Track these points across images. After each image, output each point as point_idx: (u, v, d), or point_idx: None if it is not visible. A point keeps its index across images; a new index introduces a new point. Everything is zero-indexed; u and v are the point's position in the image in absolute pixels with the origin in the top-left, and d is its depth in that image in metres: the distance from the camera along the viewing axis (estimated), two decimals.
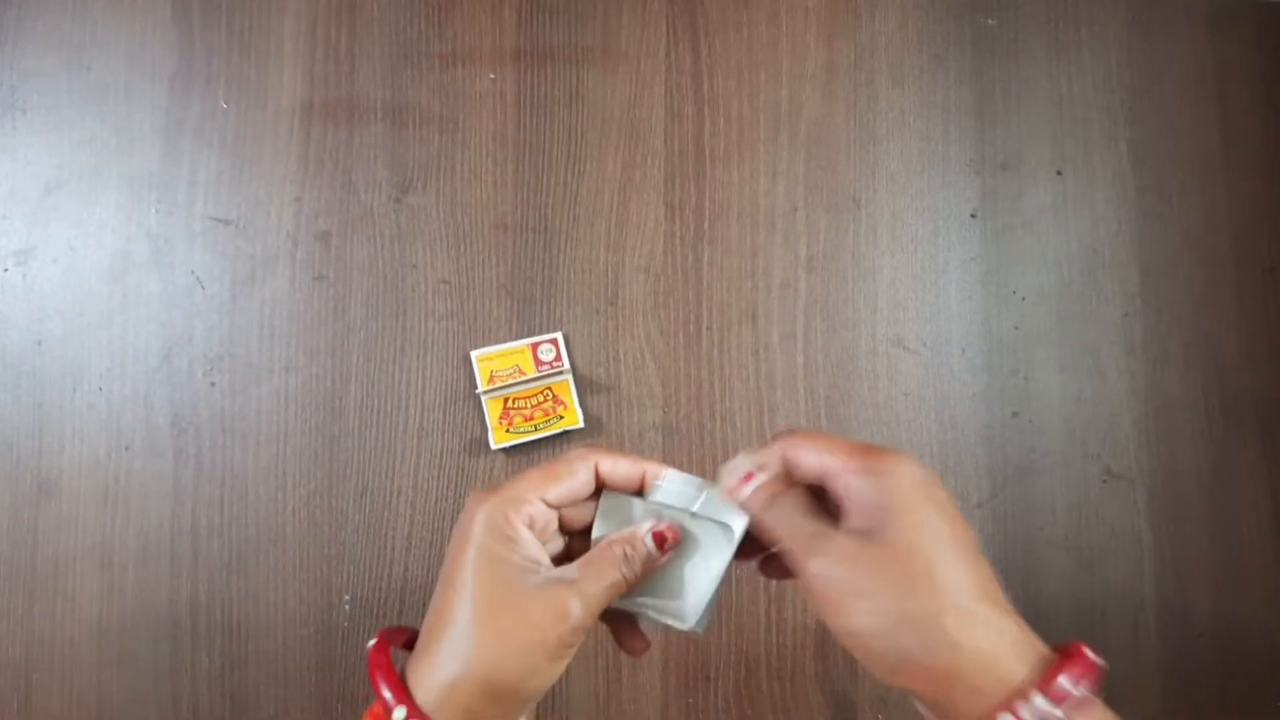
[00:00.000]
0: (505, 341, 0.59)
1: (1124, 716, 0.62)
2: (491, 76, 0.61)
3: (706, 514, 0.37)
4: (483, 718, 0.32)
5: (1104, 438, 0.61)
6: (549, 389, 0.58)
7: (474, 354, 0.58)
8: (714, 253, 0.61)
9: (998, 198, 0.62)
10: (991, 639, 0.30)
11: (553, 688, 0.57)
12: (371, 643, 0.35)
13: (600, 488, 0.37)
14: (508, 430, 0.58)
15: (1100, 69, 0.64)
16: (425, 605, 0.58)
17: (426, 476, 0.58)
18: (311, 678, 0.56)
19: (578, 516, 0.37)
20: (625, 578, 0.35)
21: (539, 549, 0.35)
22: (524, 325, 0.59)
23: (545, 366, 0.58)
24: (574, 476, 0.36)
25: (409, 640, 0.36)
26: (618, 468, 0.37)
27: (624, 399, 0.59)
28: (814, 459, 0.34)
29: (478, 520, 0.34)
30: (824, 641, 0.58)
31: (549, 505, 0.35)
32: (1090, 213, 0.63)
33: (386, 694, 0.32)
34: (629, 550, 0.35)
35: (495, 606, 0.33)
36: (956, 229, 0.62)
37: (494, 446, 0.57)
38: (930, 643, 0.30)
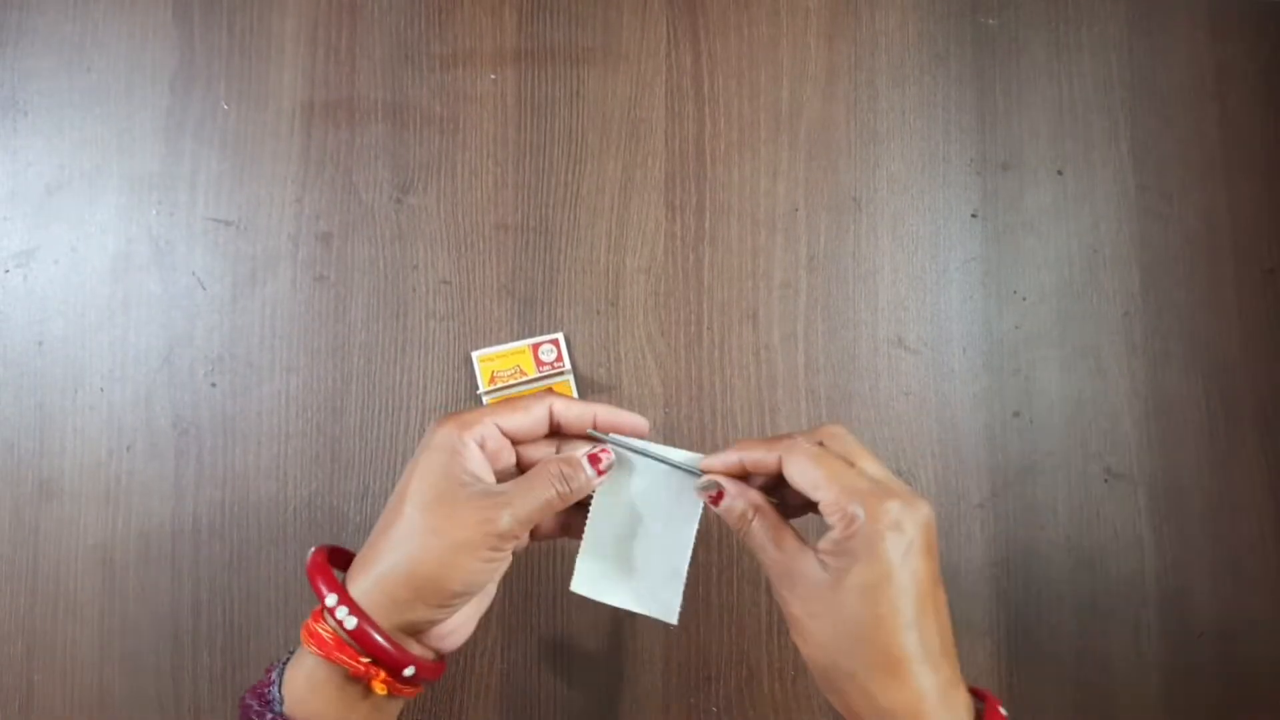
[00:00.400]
0: (506, 342, 0.59)
1: (1125, 717, 0.62)
2: (492, 77, 0.61)
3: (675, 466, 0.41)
4: (409, 607, 0.36)
5: (1105, 437, 0.61)
6: (550, 389, 0.58)
7: (475, 354, 0.58)
8: (715, 253, 0.61)
9: (998, 197, 0.62)
10: (914, 700, 0.34)
11: (553, 688, 0.57)
12: (311, 551, 0.39)
13: (556, 433, 0.41)
14: None
15: (1101, 69, 0.64)
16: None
17: None
18: None
19: (534, 454, 0.41)
20: (559, 494, 0.38)
21: (485, 468, 0.38)
22: (525, 326, 0.59)
23: (546, 367, 0.58)
24: (529, 411, 0.39)
25: (348, 560, 0.39)
26: (570, 409, 0.40)
27: (625, 399, 0.59)
28: (807, 480, 0.37)
29: (435, 437, 0.38)
30: None
31: (503, 432, 0.39)
32: (1091, 212, 0.63)
33: (322, 587, 0.36)
34: (565, 469, 0.38)
35: (429, 507, 0.36)
36: (957, 229, 0.62)
37: None
38: (854, 696, 0.35)
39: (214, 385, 0.58)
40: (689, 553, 0.41)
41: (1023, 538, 0.60)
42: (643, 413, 0.59)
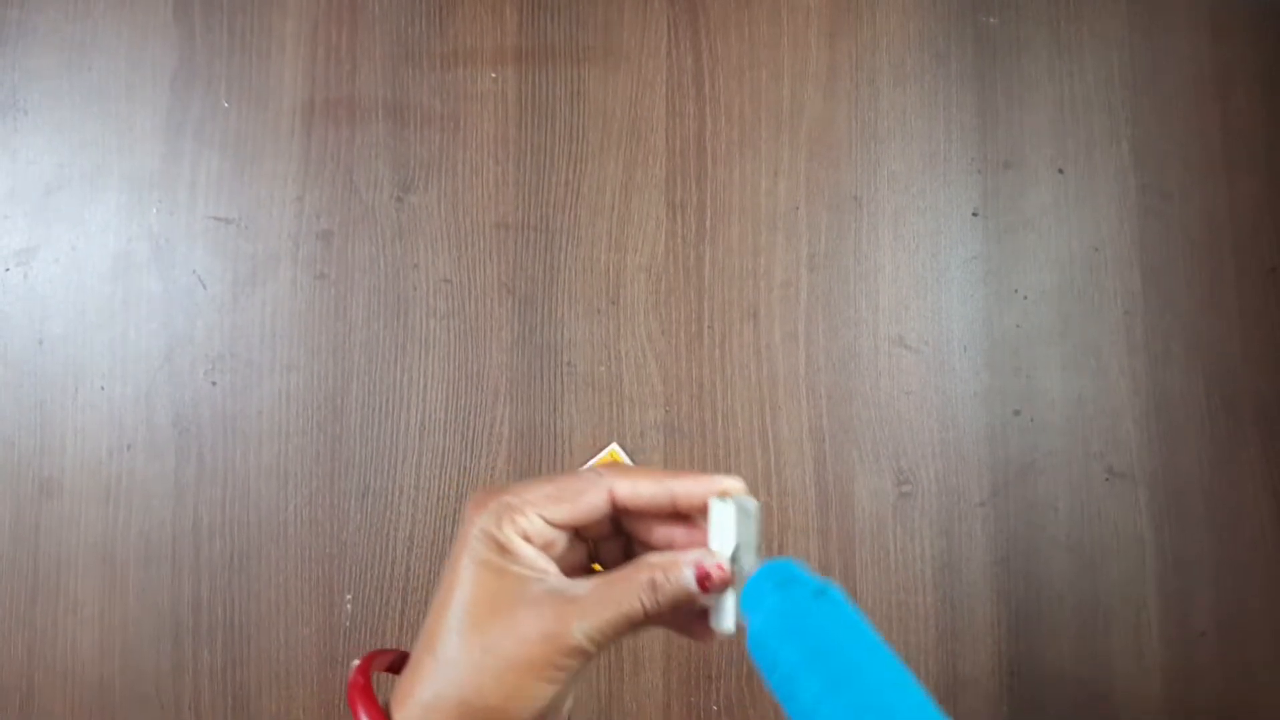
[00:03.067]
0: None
1: (1125, 716, 0.62)
2: (493, 76, 0.61)
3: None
4: None
5: (1106, 436, 0.61)
6: (607, 465, 0.41)
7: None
8: (715, 252, 0.61)
9: (999, 196, 0.62)
10: None
11: None
12: (355, 663, 0.32)
13: (623, 510, 0.32)
14: None
15: (1102, 68, 0.64)
16: (427, 604, 0.58)
17: (428, 476, 0.58)
18: (313, 676, 0.56)
19: (597, 531, 0.33)
20: (645, 608, 0.30)
21: (543, 558, 0.31)
22: (525, 325, 0.59)
23: None
24: (581, 499, 0.31)
25: (395, 662, 0.33)
26: (639, 490, 0.31)
27: (625, 398, 0.59)
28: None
29: (475, 527, 0.30)
30: None
31: (551, 524, 0.31)
32: (1092, 211, 0.63)
33: (362, 715, 0.29)
34: (660, 578, 0.30)
35: (484, 617, 0.29)
36: (958, 228, 0.62)
37: None
38: None
39: (214, 384, 0.58)
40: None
41: (1023, 536, 0.60)
42: (644, 411, 0.59)
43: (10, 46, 0.60)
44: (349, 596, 0.57)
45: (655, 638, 0.57)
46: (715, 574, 0.30)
